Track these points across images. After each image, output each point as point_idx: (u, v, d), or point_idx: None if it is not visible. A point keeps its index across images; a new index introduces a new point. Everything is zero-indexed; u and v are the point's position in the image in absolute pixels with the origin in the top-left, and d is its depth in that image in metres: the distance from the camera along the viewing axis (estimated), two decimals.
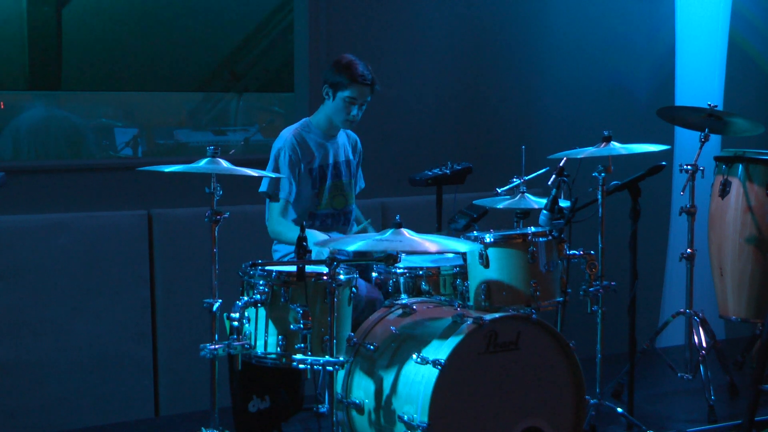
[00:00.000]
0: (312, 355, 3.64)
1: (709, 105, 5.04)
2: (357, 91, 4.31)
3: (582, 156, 4.33)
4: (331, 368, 3.64)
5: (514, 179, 4.47)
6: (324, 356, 3.63)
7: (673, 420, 4.77)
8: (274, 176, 4.23)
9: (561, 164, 4.25)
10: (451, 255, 4.45)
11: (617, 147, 4.38)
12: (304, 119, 4.49)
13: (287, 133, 4.40)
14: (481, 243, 4.01)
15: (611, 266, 4.50)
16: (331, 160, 4.44)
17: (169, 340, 4.95)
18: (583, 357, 3.87)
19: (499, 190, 4.49)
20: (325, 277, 3.63)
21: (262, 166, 4.35)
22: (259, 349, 3.71)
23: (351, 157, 4.54)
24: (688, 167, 4.93)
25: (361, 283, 4.05)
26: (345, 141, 4.53)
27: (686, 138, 5.87)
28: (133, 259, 4.89)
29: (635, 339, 4.52)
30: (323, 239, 4.05)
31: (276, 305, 3.69)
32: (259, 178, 4.31)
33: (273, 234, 4.35)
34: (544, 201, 4.25)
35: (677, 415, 4.86)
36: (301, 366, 3.65)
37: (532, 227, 4.15)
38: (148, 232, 4.91)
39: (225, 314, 3.67)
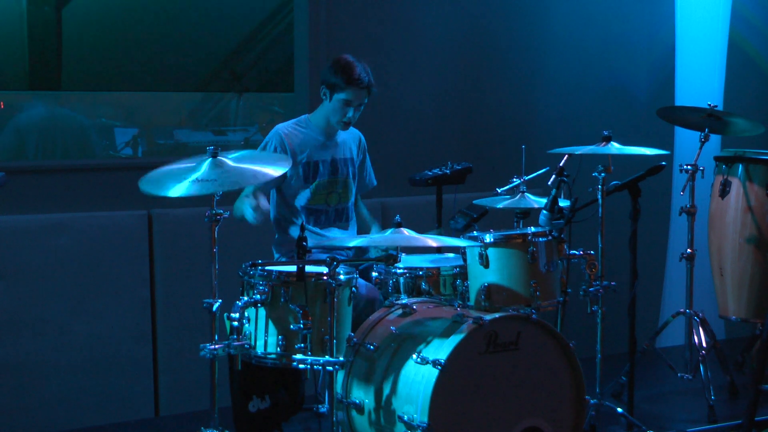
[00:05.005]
0: (312, 355, 3.65)
1: (709, 105, 5.04)
2: (353, 93, 4.31)
3: (582, 153, 4.32)
4: (331, 368, 3.64)
5: (514, 179, 4.47)
6: (324, 356, 3.63)
7: (673, 420, 4.77)
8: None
9: (561, 164, 4.25)
10: (451, 255, 4.46)
11: (616, 147, 4.38)
12: (303, 116, 4.51)
13: (279, 128, 4.43)
14: (481, 243, 4.01)
15: (611, 266, 4.50)
16: (327, 157, 4.44)
17: (169, 340, 4.95)
18: (583, 357, 3.87)
19: (499, 190, 4.49)
20: (325, 277, 3.63)
21: None
22: (259, 349, 3.71)
23: (354, 155, 4.54)
24: (688, 167, 4.94)
25: (361, 282, 4.05)
26: (347, 138, 4.53)
27: (686, 138, 5.87)
28: (133, 259, 4.89)
29: (635, 339, 4.52)
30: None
31: (276, 305, 3.69)
32: None
33: (234, 210, 4.28)
34: (544, 201, 4.25)
35: (677, 415, 4.86)
36: (301, 366, 3.65)
37: (532, 227, 4.15)
38: (148, 232, 4.91)
39: (225, 314, 3.68)
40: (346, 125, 4.40)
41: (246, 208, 4.14)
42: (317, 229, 4.41)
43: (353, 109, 4.33)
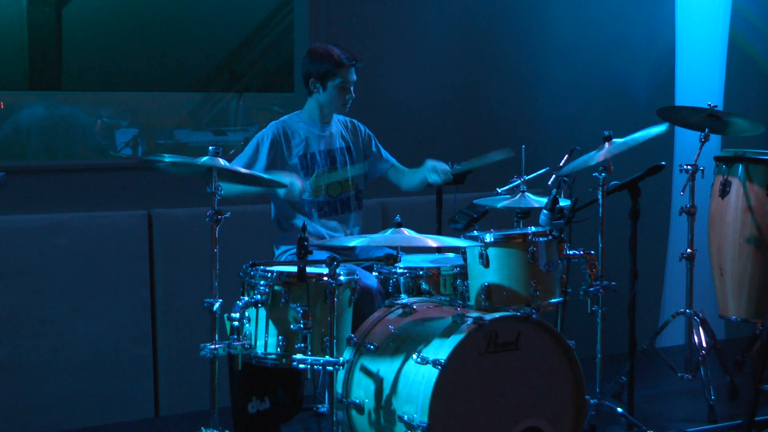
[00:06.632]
0: (312, 356, 3.65)
1: (709, 105, 5.04)
2: (345, 75, 4.38)
3: (586, 162, 4.32)
4: (331, 368, 3.64)
5: (514, 179, 4.47)
6: (324, 356, 3.63)
7: (673, 420, 4.77)
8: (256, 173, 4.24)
9: (561, 164, 4.26)
10: (451, 255, 4.46)
11: (618, 142, 4.37)
12: (295, 111, 4.54)
13: (274, 122, 4.47)
14: (481, 243, 4.01)
15: (611, 266, 4.50)
16: (323, 148, 4.46)
17: (169, 340, 4.95)
18: (583, 357, 3.87)
19: (499, 190, 4.49)
20: (325, 278, 3.63)
21: None
22: (260, 350, 3.71)
23: (350, 143, 4.55)
24: (688, 167, 4.94)
25: (361, 272, 4.06)
26: (341, 128, 4.55)
27: (686, 138, 5.87)
28: (133, 259, 4.89)
29: (635, 339, 4.53)
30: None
31: (276, 305, 3.69)
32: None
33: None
34: (544, 201, 4.25)
35: (677, 415, 4.87)
36: (301, 366, 3.65)
37: (532, 227, 4.15)
38: (148, 232, 4.91)
39: (225, 314, 3.68)
40: (346, 106, 4.45)
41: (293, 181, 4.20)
42: (320, 222, 4.41)
43: (349, 89, 4.40)
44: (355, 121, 4.63)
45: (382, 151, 4.68)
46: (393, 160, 4.70)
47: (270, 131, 4.41)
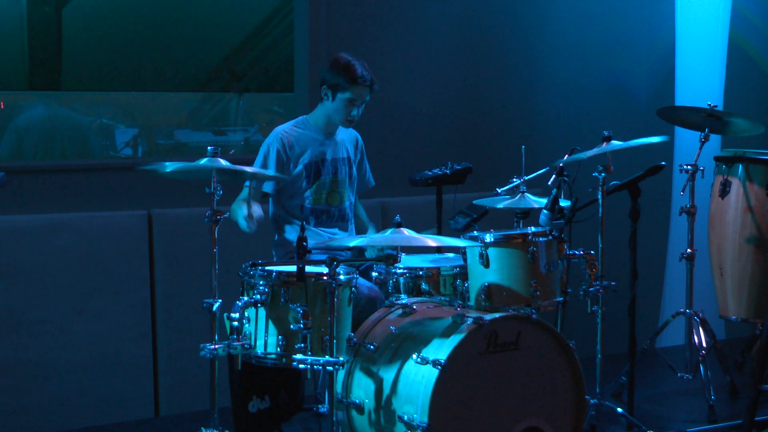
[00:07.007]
0: (312, 355, 3.65)
1: (709, 105, 5.04)
2: (357, 92, 4.34)
3: (587, 156, 4.32)
4: (331, 368, 3.64)
5: (514, 179, 4.47)
6: (324, 356, 3.63)
7: (673, 420, 4.77)
8: (273, 174, 4.24)
9: (561, 164, 4.25)
10: (451, 255, 4.46)
11: (618, 143, 4.37)
12: (301, 117, 4.52)
13: (278, 129, 4.44)
14: (481, 243, 4.01)
15: (611, 266, 4.50)
16: (327, 157, 4.45)
17: (169, 340, 4.95)
18: (583, 357, 3.87)
19: (499, 190, 4.49)
20: (325, 277, 3.63)
21: None
22: (259, 349, 3.71)
23: (351, 154, 4.55)
24: (688, 167, 4.93)
25: (362, 281, 4.05)
26: (345, 138, 4.54)
27: (686, 138, 5.87)
28: (133, 259, 4.89)
29: (635, 339, 4.52)
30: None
31: (276, 305, 3.69)
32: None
33: (230, 212, 4.22)
34: (544, 201, 4.25)
35: (677, 415, 4.86)
36: (301, 366, 3.65)
37: (532, 227, 4.14)
38: (148, 232, 4.91)
39: (225, 314, 3.68)
40: (350, 123, 4.43)
41: (239, 215, 4.12)
42: (319, 229, 4.42)
43: (357, 107, 4.37)
44: (358, 134, 4.62)
45: (368, 173, 4.65)
46: (368, 186, 4.66)
47: (274, 143, 4.38)
